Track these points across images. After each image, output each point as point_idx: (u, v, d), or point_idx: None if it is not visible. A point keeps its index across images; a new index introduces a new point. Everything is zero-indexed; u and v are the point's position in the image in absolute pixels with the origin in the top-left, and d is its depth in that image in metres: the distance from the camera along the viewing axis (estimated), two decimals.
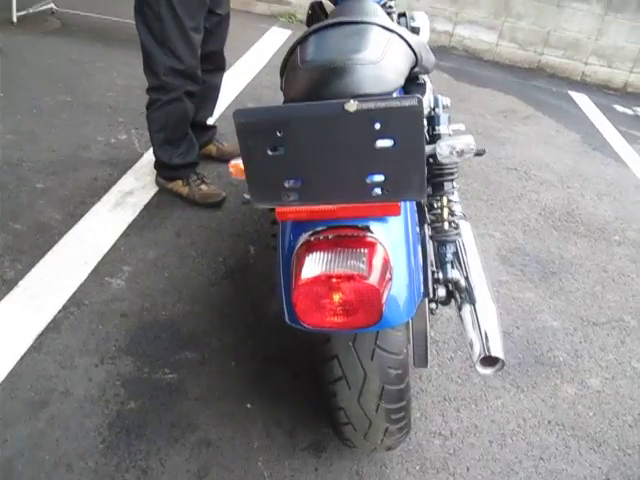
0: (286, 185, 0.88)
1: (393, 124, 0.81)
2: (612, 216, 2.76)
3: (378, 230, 0.91)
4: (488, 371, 1.18)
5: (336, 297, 0.84)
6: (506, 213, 2.63)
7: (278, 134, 0.83)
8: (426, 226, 1.35)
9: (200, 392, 1.55)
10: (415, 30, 1.90)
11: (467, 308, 1.29)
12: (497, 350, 1.15)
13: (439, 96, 1.47)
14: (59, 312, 1.71)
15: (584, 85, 4.58)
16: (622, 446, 1.61)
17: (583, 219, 2.69)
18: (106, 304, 1.77)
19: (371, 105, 0.80)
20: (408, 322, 1.16)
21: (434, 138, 1.42)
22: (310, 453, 1.45)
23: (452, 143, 1.12)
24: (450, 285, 1.34)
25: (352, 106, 0.80)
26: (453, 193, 1.38)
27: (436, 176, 1.34)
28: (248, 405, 1.54)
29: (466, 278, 1.34)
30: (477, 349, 1.18)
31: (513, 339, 1.92)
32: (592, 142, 3.53)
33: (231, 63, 3.45)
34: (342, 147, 0.84)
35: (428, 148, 1.16)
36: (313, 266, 0.84)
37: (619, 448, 1.60)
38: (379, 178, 0.85)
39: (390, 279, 0.89)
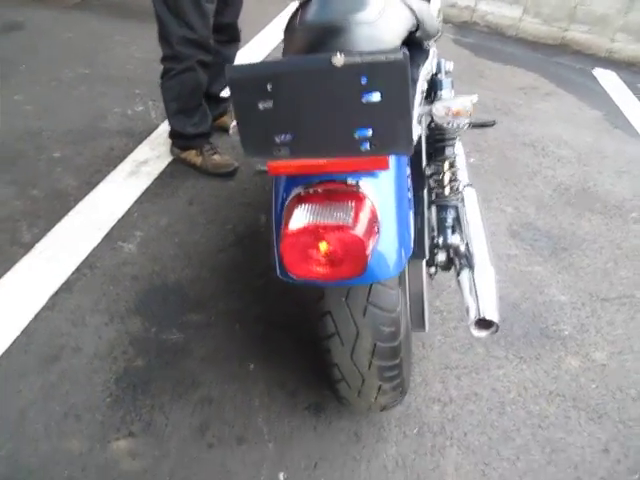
0: (277, 140, 0.89)
1: (379, 78, 0.82)
2: (630, 194, 2.71)
3: (367, 185, 0.92)
4: (482, 334, 1.19)
5: (322, 247, 0.86)
6: (520, 189, 2.60)
7: (268, 88, 0.85)
8: (427, 190, 1.36)
9: (205, 352, 1.60)
10: None
11: (465, 273, 1.30)
12: (492, 313, 1.17)
13: (442, 60, 1.47)
14: (72, 274, 1.77)
15: (610, 62, 4.45)
16: (623, 418, 1.60)
17: (600, 196, 2.65)
18: (118, 267, 1.82)
19: (357, 59, 0.81)
20: (404, 282, 1.18)
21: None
22: (310, 413, 1.48)
23: (448, 104, 1.12)
24: (450, 250, 1.35)
25: (339, 60, 0.81)
26: (454, 159, 1.38)
27: (437, 141, 1.35)
28: (251, 366, 1.58)
29: (466, 244, 1.35)
30: (472, 312, 1.20)
31: (520, 311, 1.92)
32: (614, 120, 3.45)
33: (248, 38, 3.46)
34: (330, 101, 0.85)
35: (425, 109, 1.17)
36: (301, 217, 0.86)
37: (620, 420, 1.60)
38: (367, 132, 0.86)
39: (377, 232, 0.90)
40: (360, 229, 0.85)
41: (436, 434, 1.49)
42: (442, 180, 1.36)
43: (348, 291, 1.08)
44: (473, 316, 1.18)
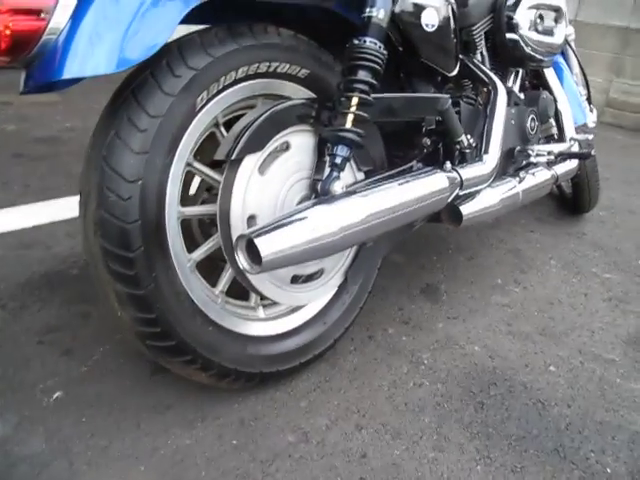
0: None
1: None
2: None
3: None
4: (242, 258, 0.86)
5: None
6: None
7: None
8: None
9: None
10: None
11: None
12: (265, 245, 0.84)
13: None
14: None
15: None
16: None
17: None
18: None
19: None
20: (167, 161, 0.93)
21: None
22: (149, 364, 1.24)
23: None
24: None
25: None
26: (369, 91, 1.06)
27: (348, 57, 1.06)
28: None
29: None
30: (255, 227, 0.89)
31: (545, 414, 1.22)
32: None
33: None
34: None
35: None
36: None
37: None
38: None
39: (44, 24, 0.78)
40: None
41: (255, 461, 1.03)
42: (348, 104, 1.04)
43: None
44: (252, 230, 0.87)
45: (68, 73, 0.80)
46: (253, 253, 0.84)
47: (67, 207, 1.86)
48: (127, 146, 0.88)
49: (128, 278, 0.91)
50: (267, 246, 0.83)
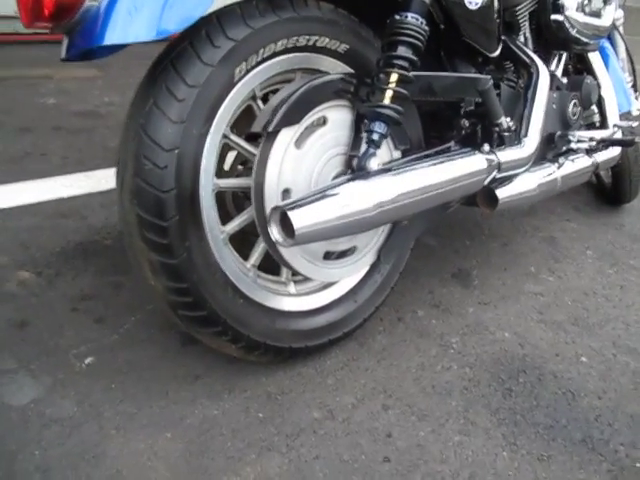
0: None
1: None
2: None
3: None
4: (275, 230, 0.85)
5: None
6: None
7: None
8: None
9: None
10: None
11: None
12: (298, 219, 0.84)
13: None
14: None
15: None
16: None
17: None
18: None
19: None
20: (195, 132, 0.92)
21: None
22: (177, 335, 1.25)
23: None
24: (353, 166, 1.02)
25: None
26: (409, 68, 1.04)
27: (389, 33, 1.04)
28: None
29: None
30: (289, 200, 0.89)
31: (575, 404, 1.20)
32: None
33: None
34: None
35: None
36: None
37: None
38: None
39: None
40: None
41: (280, 434, 1.04)
42: (387, 79, 1.03)
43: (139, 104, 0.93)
44: (285, 203, 0.86)
45: (110, 39, 0.80)
46: (286, 226, 0.84)
47: (103, 179, 1.89)
48: (165, 115, 0.89)
49: (162, 247, 0.92)
50: (300, 219, 0.83)
